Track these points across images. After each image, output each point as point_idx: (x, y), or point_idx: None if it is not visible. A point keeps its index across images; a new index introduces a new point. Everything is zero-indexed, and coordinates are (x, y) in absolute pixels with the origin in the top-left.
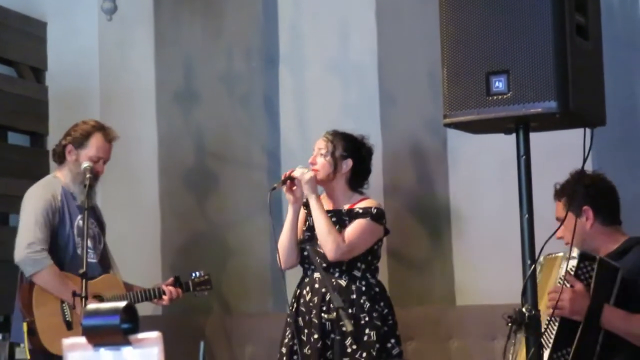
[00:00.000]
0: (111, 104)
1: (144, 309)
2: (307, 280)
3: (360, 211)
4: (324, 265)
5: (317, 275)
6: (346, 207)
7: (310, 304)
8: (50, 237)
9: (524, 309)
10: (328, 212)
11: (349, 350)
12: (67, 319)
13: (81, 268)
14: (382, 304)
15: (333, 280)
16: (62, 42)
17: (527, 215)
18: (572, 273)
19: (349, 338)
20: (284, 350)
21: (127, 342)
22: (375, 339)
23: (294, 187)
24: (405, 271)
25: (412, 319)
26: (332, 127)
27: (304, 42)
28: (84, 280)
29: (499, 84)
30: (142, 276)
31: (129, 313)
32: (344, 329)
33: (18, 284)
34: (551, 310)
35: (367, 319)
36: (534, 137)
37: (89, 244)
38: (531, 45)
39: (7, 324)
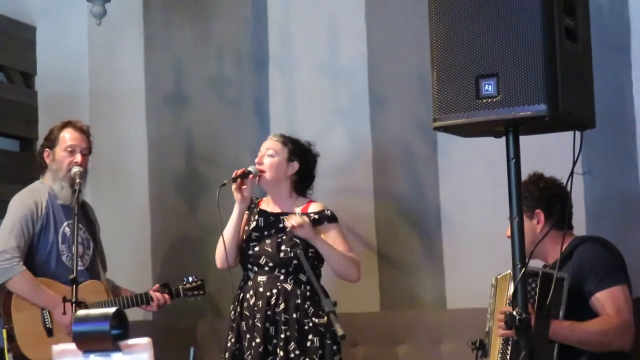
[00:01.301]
0: (101, 107)
1: (134, 314)
2: (250, 283)
3: (316, 217)
4: (270, 265)
5: (261, 278)
6: (297, 210)
7: (255, 308)
8: (28, 246)
9: (514, 313)
10: (280, 214)
11: (291, 355)
12: (48, 325)
13: (69, 275)
14: (324, 315)
15: (278, 283)
16: (52, 47)
17: (517, 218)
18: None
19: (292, 343)
20: (226, 355)
21: (117, 348)
22: (318, 344)
23: (244, 187)
24: (396, 274)
25: (402, 323)
26: (323, 130)
27: (294, 44)
28: (74, 286)
29: (488, 87)
30: (132, 279)
31: (119, 319)
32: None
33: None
34: (502, 332)
35: (310, 324)
36: (523, 140)
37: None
38: (520, 49)
39: None
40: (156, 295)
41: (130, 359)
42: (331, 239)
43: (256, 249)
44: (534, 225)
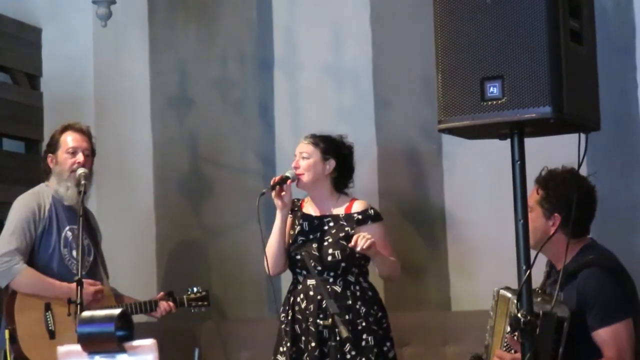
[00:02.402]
0: (106, 109)
1: (139, 316)
2: (300, 287)
3: (360, 217)
4: (319, 269)
5: (310, 281)
6: (341, 212)
7: (307, 312)
8: (30, 248)
9: (519, 315)
10: (324, 217)
11: (347, 356)
12: (50, 328)
13: (70, 278)
14: (375, 307)
15: (328, 286)
16: (57, 48)
17: (522, 221)
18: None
19: (347, 344)
20: (282, 358)
21: (122, 350)
22: (373, 343)
23: (283, 193)
24: (401, 276)
25: (407, 325)
26: (327, 131)
27: (299, 46)
28: (79, 287)
29: (493, 89)
30: (137, 280)
31: (124, 320)
32: (339, 336)
33: (2, 291)
34: None
35: (364, 324)
36: (528, 142)
37: (75, 256)
38: (525, 51)
39: (2, 330)
40: (162, 304)
41: None
42: (377, 238)
43: (303, 253)
44: (548, 226)
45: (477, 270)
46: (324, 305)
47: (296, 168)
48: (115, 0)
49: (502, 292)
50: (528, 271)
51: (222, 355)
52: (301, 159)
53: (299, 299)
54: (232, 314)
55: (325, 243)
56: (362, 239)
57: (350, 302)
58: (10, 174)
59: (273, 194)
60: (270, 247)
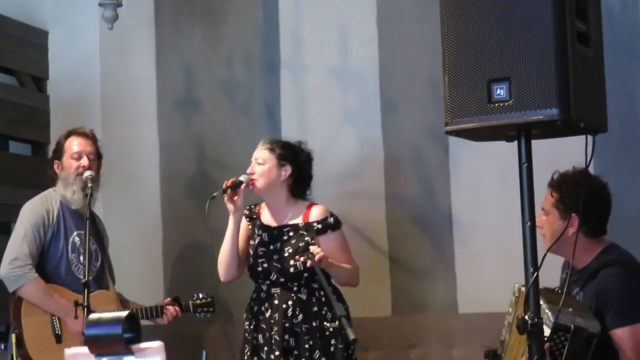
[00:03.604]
0: (112, 111)
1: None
2: (263, 295)
3: (320, 226)
4: (282, 280)
5: (274, 290)
6: (299, 220)
7: (272, 321)
8: (39, 253)
9: (526, 317)
10: (284, 227)
11: None
12: (57, 332)
13: (77, 284)
14: (336, 320)
15: (293, 294)
16: (63, 51)
17: (529, 223)
18: (547, 343)
19: (317, 351)
20: None
21: (130, 352)
22: (342, 346)
23: (236, 197)
24: (408, 279)
25: (414, 327)
26: (334, 134)
27: (305, 48)
28: (85, 290)
29: (500, 91)
30: (144, 283)
31: (131, 322)
32: (351, 338)
33: (10, 295)
34: None
35: (331, 329)
36: (535, 144)
37: (83, 261)
38: (532, 52)
39: (9, 334)
40: (169, 309)
41: None
42: (333, 249)
43: (265, 265)
44: (564, 225)
45: (484, 273)
46: (289, 315)
47: (251, 174)
48: (121, 2)
49: (523, 288)
50: (535, 273)
51: (229, 358)
52: (256, 165)
53: (263, 308)
54: (239, 317)
55: (286, 254)
56: (312, 253)
57: (316, 308)
58: (17, 176)
59: (225, 197)
60: (223, 253)
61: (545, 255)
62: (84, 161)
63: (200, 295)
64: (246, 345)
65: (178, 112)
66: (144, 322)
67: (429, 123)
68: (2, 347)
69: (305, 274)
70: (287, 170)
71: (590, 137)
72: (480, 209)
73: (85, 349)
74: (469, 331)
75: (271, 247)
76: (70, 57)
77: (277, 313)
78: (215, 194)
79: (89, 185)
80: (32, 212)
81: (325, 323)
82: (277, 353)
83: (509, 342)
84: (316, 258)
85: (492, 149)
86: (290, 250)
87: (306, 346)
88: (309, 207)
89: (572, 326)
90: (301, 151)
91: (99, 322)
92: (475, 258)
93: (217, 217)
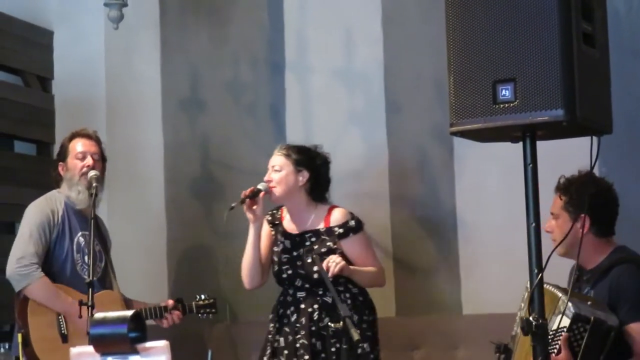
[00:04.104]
0: (117, 112)
1: None
2: (289, 299)
3: (341, 230)
4: (307, 286)
5: (300, 294)
6: (320, 225)
7: (297, 325)
8: (45, 252)
9: (531, 318)
10: (305, 233)
11: None
12: (63, 331)
13: (83, 284)
14: (367, 312)
15: (318, 298)
16: (69, 51)
17: (534, 224)
18: (566, 334)
19: (344, 353)
20: None
21: (135, 351)
22: (369, 349)
23: (255, 206)
24: (412, 279)
25: (418, 328)
26: (339, 135)
27: (310, 49)
28: (90, 289)
29: (505, 92)
30: (148, 284)
31: (137, 322)
32: (355, 338)
33: (15, 295)
34: None
35: (358, 332)
36: (540, 145)
37: (88, 261)
38: (538, 53)
39: (14, 333)
40: (169, 316)
41: None
42: (356, 253)
43: (289, 272)
44: (577, 228)
45: (489, 274)
46: (315, 318)
47: (268, 182)
48: (126, 2)
49: (549, 287)
50: (540, 275)
51: (233, 357)
52: (273, 172)
53: (288, 312)
54: (243, 317)
55: (309, 260)
56: (332, 264)
57: (342, 312)
58: (22, 176)
59: (244, 207)
60: (245, 261)
61: (550, 255)
62: (89, 161)
63: (203, 297)
64: (267, 346)
65: (183, 113)
66: (148, 322)
67: (433, 124)
68: (7, 347)
69: (330, 278)
70: (305, 176)
71: (595, 139)
72: (484, 210)
73: (90, 348)
74: (473, 332)
75: (294, 253)
76: (75, 57)
77: (304, 317)
78: (233, 204)
79: (94, 185)
80: (37, 213)
81: (329, 323)
82: (306, 357)
83: (520, 336)
84: (336, 269)
85: (497, 150)
86: (315, 256)
87: (332, 349)
88: (330, 210)
89: (592, 317)
90: (317, 155)
91: (104, 322)
92: (479, 259)
93: (221, 218)
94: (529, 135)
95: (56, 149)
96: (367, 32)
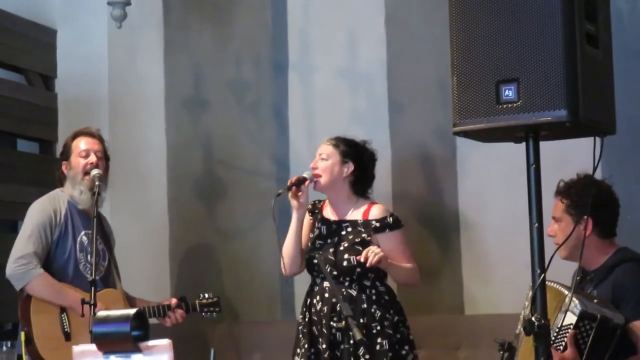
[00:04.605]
0: (120, 110)
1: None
2: (316, 289)
3: (378, 225)
4: (335, 273)
5: (326, 284)
6: (359, 217)
7: (321, 314)
8: (46, 252)
9: (533, 319)
10: (343, 222)
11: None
12: (66, 329)
13: (86, 282)
14: (392, 311)
15: (343, 289)
16: (72, 49)
17: (536, 224)
18: (572, 331)
19: (362, 348)
20: (301, 359)
21: (138, 350)
22: (387, 347)
23: (300, 193)
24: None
25: (420, 328)
26: (341, 134)
27: (313, 49)
28: (92, 288)
29: (508, 92)
30: (151, 282)
31: (140, 320)
32: (353, 339)
33: (18, 293)
34: None
35: (378, 327)
36: (543, 145)
37: (91, 260)
38: (541, 54)
39: (17, 332)
40: (172, 314)
41: None
42: (391, 248)
43: (317, 256)
44: (580, 230)
45: (491, 274)
46: (338, 308)
47: (314, 169)
48: (130, 1)
49: (554, 285)
50: (542, 275)
51: (235, 357)
52: (320, 160)
53: (315, 301)
54: (245, 317)
55: (341, 248)
56: (371, 254)
57: (365, 305)
58: (25, 174)
59: (290, 194)
60: (287, 248)
61: (552, 256)
62: (92, 158)
63: (207, 295)
64: (301, 338)
65: (186, 112)
66: (151, 321)
67: (436, 124)
68: (9, 345)
69: (358, 269)
70: (350, 167)
71: (598, 139)
72: (487, 210)
73: (93, 347)
74: (475, 332)
75: (328, 240)
76: (78, 56)
77: (327, 306)
78: (280, 191)
79: (97, 183)
80: (39, 212)
81: (332, 323)
82: (324, 346)
83: (523, 335)
84: (375, 259)
85: (500, 150)
86: (346, 245)
87: (351, 342)
88: (370, 205)
89: (599, 315)
90: (365, 150)
91: (107, 320)
92: (482, 259)
93: (223, 218)
94: (532, 136)
95: (59, 147)
96: (370, 32)
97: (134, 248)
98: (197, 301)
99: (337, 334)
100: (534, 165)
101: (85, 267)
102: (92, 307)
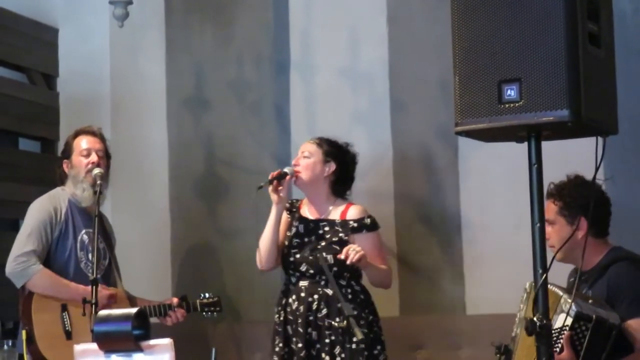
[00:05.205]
0: (122, 110)
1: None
2: (292, 287)
3: (355, 225)
4: (311, 272)
5: (302, 283)
6: (337, 216)
7: (297, 313)
8: (47, 250)
9: (535, 319)
10: (320, 221)
11: (337, 359)
12: (67, 328)
13: (86, 281)
14: (367, 310)
15: (319, 288)
16: (74, 49)
17: (538, 224)
18: (565, 333)
19: (338, 347)
20: (275, 358)
21: (139, 349)
22: (363, 346)
23: (280, 187)
24: (416, 280)
25: (422, 328)
26: (343, 134)
27: (315, 48)
28: (94, 287)
29: (511, 92)
30: (152, 281)
31: (141, 319)
32: (354, 338)
33: (19, 291)
34: None
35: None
36: (545, 145)
37: (91, 259)
38: (543, 53)
39: (17, 331)
40: (173, 314)
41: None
42: (367, 249)
43: (297, 256)
44: (572, 230)
45: (493, 274)
46: (313, 308)
47: (296, 165)
48: (132, 0)
49: (550, 286)
50: (544, 275)
51: (236, 357)
52: (302, 158)
53: (290, 300)
54: (246, 316)
55: (319, 247)
56: (352, 252)
57: (340, 304)
58: (26, 173)
59: (270, 188)
60: (263, 241)
61: (553, 258)
62: (93, 157)
63: (207, 295)
64: (276, 337)
65: (187, 111)
66: (151, 320)
67: (438, 123)
68: (10, 344)
69: (335, 268)
70: (331, 167)
71: (600, 139)
72: (489, 209)
73: (94, 346)
74: (476, 332)
75: (305, 239)
76: (80, 55)
77: (302, 305)
78: (262, 184)
79: (98, 182)
80: (39, 210)
81: (332, 322)
82: (300, 345)
83: (520, 337)
84: (356, 257)
85: (502, 149)
86: (324, 244)
87: (327, 341)
88: (348, 205)
89: (594, 316)
90: (347, 152)
91: (108, 319)
92: (483, 259)
93: (225, 217)
94: (534, 136)
95: (61, 146)
96: (372, 32)
97: (135, 247)
98: (197, 301)
99: (313, 333)
100: (535, 165)
101: (86, 265)
102: (93, 306)
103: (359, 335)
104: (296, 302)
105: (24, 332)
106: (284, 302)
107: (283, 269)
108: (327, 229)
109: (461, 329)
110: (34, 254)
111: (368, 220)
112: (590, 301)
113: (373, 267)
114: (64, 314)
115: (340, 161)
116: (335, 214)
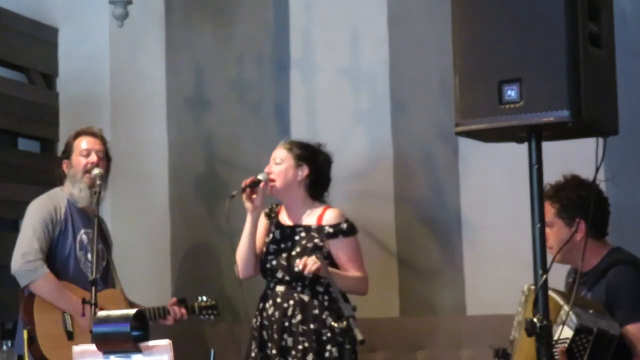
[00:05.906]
0: (122, 110)
1: None
2: (269, 293)
3: (331, 230)
4: (287, 279)
5: (279, 289)
6: (313, 221)
7: (272, 318)
8: (48, 249)
9: (535, 320)
10: (297, 227)
11: None
12: (69, 329)
13: (86, 281)
14: (343, 320)
15: (295, 294)
16: (73, 48)
17: (539, 225)
18: (566, 346)
19: (310, 354)
20: None
21: (138, 350)
22: (337, 355)
23: (254, 196)
24: (416, 280)
25: (422, 329)
26: (343, 134)
27: (316, 48)
28: (93, 287)
29: (511, 92)
30: (152, 282)
31: (140, 320)
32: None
33: (20, 292)
34: None
35: (329, 334)
36: (546, 146)
37: (90, 259)
38: (544, 54)
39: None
40: (174, 309)
41: None
42: (342, 256)
43: (274, 262)
44: (571, 232)
45: (493, 274)
46: (288, 314)
47: (269, 173)
48: (131, 0)
49: (550, 293)
50: (545, 275)
51: (236, 357)
52: (274, 165)
53: (267, 305)
54: (246, 316)
55: (294, 253)
56: (310, 262)
57: (317, 311)
58: (26, 173)
59: (244, 196)
60: (240, 250)
61: (553, 260)
62: (93, 157)
63: (205, 298)
64: (252, 342)
65: (188, 111)
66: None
67: (438, 124)
68: (9, 345)
69: (310, 275)
70: (304, 171)
71: (601, 140)
72: (489, 210)
73: (93, 347)
74: (477, 333)
75: (282, 245)
76: (80, 55)
77: (278, 311)
78: (234, 192)
79: (98, 182)
80: (39, 209)
81: (332, 323)
82: (274, 352)
83: (518, 340)
84: (313, 268)
85: (502, 150)
86: (299, 250)
87: (299, 347)
88: (325, 209)
89: (595, 329)
90: (319, 153)
91: (107, 320)
92: (484, 259)
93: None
94: (534, 136)
95: (60, 146)
96: (372, 32)
97: (135, 247)
98: (195, 303)
99: (288, 339)
100: (536, 166)
101: (86, 265)
102: (92, 306)
103: (359, 336)
104: (272, 308)
105: (25, 332)
106: (260, 306)
107: (261, 274)
108: (303, 234)
109: (461, 329)
110: (40, 251)
111: (345, 225)
112: (590, 311)
113: (338, 275)
114: (65, 314)
115: (313, 164)
116: (311, 218)
